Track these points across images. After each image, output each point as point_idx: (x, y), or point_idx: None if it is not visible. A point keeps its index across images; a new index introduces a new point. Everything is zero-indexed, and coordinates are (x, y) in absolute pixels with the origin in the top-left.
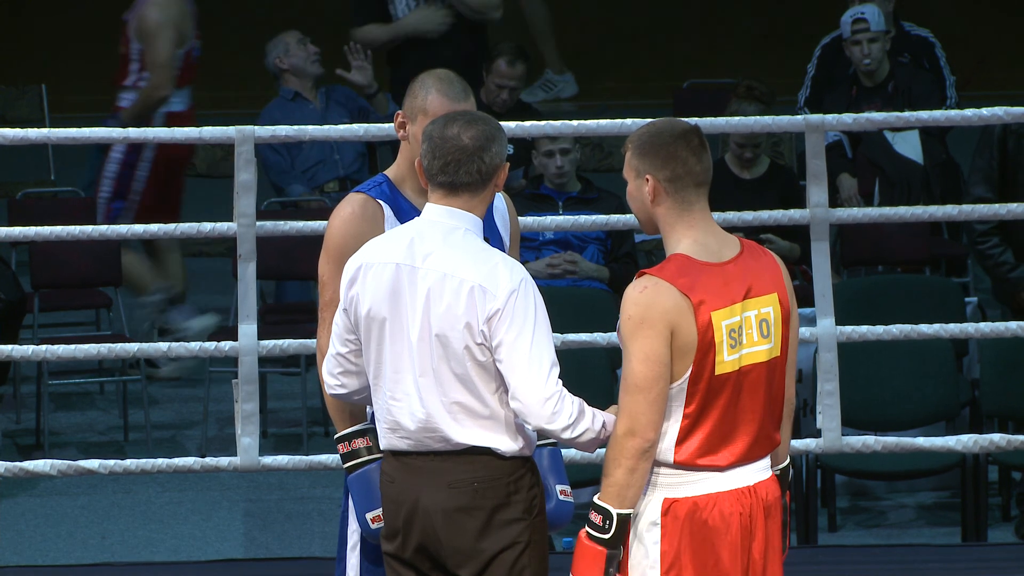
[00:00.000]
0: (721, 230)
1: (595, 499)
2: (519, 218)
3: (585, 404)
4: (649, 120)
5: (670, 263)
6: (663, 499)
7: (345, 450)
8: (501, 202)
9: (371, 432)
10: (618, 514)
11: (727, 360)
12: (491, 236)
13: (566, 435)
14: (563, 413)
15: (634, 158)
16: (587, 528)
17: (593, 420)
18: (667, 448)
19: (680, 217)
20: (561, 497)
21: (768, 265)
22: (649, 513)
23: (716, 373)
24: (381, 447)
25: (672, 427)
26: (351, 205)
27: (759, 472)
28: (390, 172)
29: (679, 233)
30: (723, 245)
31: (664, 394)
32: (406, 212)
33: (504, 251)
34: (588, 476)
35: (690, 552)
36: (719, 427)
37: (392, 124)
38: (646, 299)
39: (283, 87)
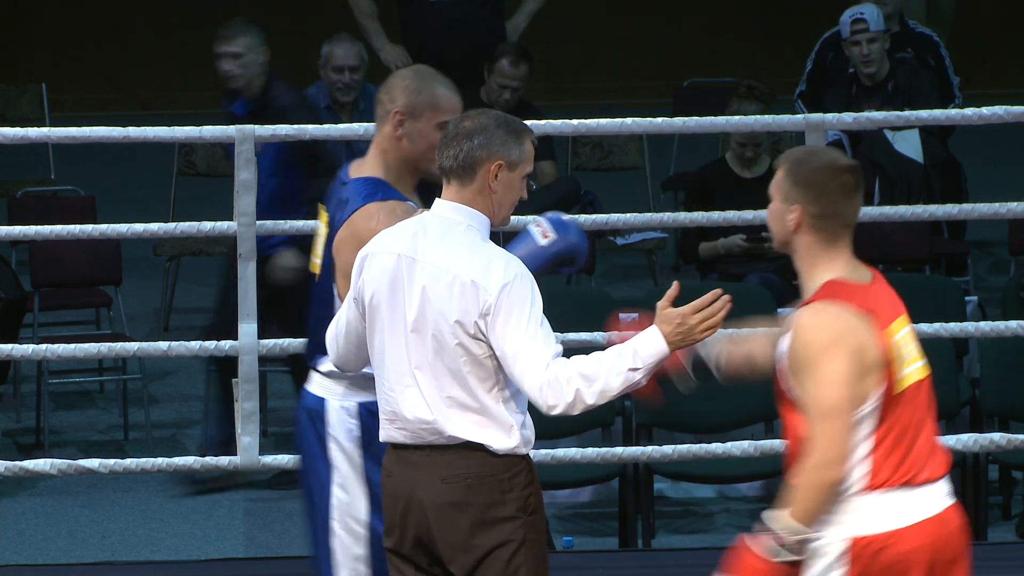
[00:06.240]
0: (855, 259)
1: (776, 516)
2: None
3: (596, 362)
4: (807, 147)
5: (830, 288)
6: (848, 537)
7: None
8: None
9: None
10: (797, 538)
11: (904, 374)
12: None
13: (574, 412)
14: (561, 401)
15: (786, 182)
16: (762, 543)
17: (611, 373)
18: (856, 476)
19: (824, 251)
20: (534, 229)
21: (892, 289)
22: (831, 550)
23: (897, 391)
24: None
25: (861, 452)
26: (398, 211)
27: (946, 497)
28: (380, 175)
29: (823, 265)
30: (862, 271)
31: (853, 419)
32: None
33: None
34: (588, 475)
35: None
36: (907, 446)
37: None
38: (826, 321)
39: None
